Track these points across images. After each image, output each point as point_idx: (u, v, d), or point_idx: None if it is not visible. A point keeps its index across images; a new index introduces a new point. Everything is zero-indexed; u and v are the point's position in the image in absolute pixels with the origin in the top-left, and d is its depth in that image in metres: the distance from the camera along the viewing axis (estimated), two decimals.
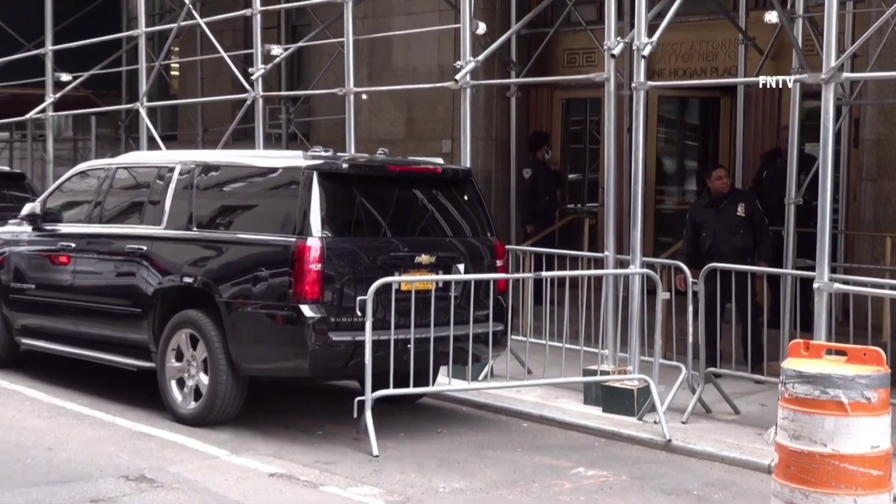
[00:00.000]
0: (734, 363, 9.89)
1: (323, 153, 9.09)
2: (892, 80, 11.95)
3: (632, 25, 9.95)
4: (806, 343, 6.40)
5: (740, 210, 11.03)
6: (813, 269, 8.65)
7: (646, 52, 9.49)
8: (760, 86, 11.68)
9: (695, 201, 11.84)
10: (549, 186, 14.79)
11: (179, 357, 9.21)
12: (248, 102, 13.67)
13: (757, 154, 13.89)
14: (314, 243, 8.46)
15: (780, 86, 10.48)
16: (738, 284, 10.02)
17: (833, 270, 9.02)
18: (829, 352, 6.43)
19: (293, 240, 8.51)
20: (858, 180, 12.76)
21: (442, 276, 9.01)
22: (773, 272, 9.94)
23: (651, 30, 9.62)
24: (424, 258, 9.00)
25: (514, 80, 15.33)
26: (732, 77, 14.07)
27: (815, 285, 8.38)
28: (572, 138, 16.53)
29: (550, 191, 14.85)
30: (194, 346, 9.08)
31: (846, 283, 9.02)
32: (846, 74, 8.68)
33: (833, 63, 8.26)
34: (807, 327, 9.53)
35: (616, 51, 9.93)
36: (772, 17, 12.81)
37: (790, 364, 6.23)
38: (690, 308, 9.34)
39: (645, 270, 9.67)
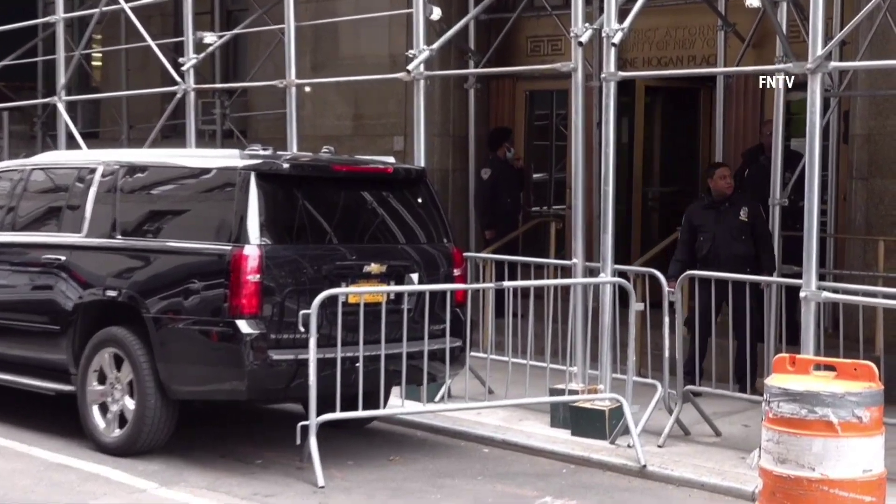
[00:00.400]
0: (715, 380, 9.95)
1: (261, 152, 9.06)
2: (884, 70, 12.07)
3: (601, 10, 9.99)
4: (792, 357, 6.45)
5: (743, 214, 11.01)
6: (799, 276, 8.71)
7: (616, 39, 9.54)
8: (762, 84, 11.77)
9: (693, 203, 11.80)
10: (511, 187, 14.78)
11: (102, 379, 9.14)
12: (179, 96, 13.59)
13: (738, 151, 13.98)
14: (252, 252, 8.43)
15: (788, 85, 10.60)
16: (734, 294, 9.98)
17: (821, 277, 9.11)
18: (818, 367, 6.49)
19: (229, 248, 8.48)
20: (848, 179, 12.87)
21: (394, 287, 9.00)
22: (755, 280, 10.00)
23: (622, 15, 9.67)
24: (374, 267, 8.99)
25: (472, 70, 15.34)
26: (711, 66, 14.15)
27: (802, 294, 8.44)
28: (537, 134, 16.57)
29: (513, 192, 14.85)
30: (119, 366, 9.02)
31: (836, 291, 9.09)
32: (834, 63, 8.76)
33: (820, 51, 8.34)
34: (793, 340, 9.60)
35: (584, 38, 9.97)
36: (753, 0, 12.90)
37: (775, 381, 6.28)
38: (667, 320, 9.39)
39: (617, 279, 9.71)
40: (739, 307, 10.10)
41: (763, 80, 10.69)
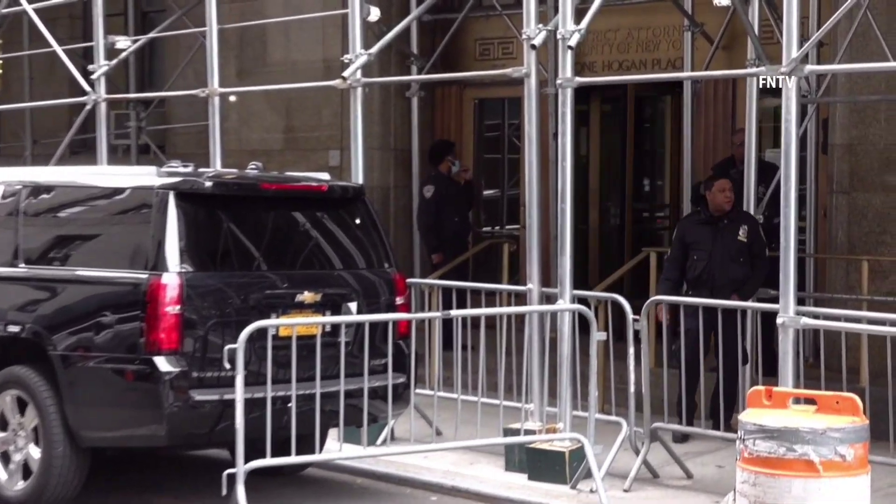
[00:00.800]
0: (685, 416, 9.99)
1: (181, 169, 9.04)
2: (865, 74, 12.19)
3: (556, 10, 10.04)
4: (768, 390, 6.49)
5: (742, 233, 10.93)
6: (776, 300, 8.77)
7: (573, 41, 9.59)
8: (762, 83, 11.82)
9: (686, 216, 11.79)
10: (458, 205, 14.77)
11: (4, 425, 9.04)
12: (89, 107, 13.50)
13: (709, 163, 14.07)
14: (171, 280, 8.40)
15: (768, 85, 10.64)
16: (723, 321, 10.00)
17: (800, 302, 9.16)
18: (797, 400, 6.53)
19: (145, 276, 8.44)
20: (828, 193, 12.96)
21: (329, 318, 8.98)
22: (728, 305, 10.04)
23: (579, 15, 9.72)
24: (308, 296, 8.97)
25: (415, 76, 15.36)
26: (677, 70, 14.24)
27: (779, 320, 8.50)
28: (488, 146, 16.60)
29: (460, 211, 14.84)
30: (22, 411, 8.93)
31: (816, 316, 9.16)
32: (810, 67, 8.85)
33: (795, 53, 8.42)
34: (770, 371, 9.66)
35: (537, 40, 10.02)
36: None
37: (750, 416, 6.32)
38: (631, 351, 9.43)
39: (576, 306, 9.74)
40: (729, 336, 10.13)
41: (764, 80, 10.69)
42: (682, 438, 10.54)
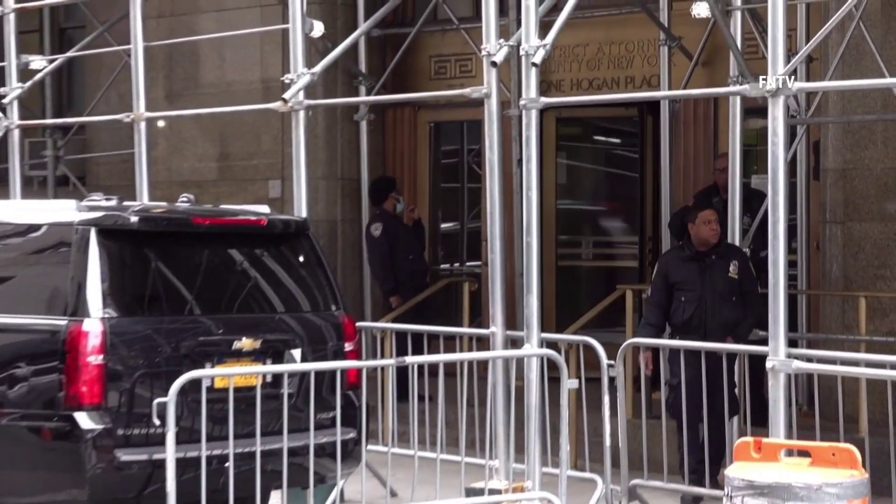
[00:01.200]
0: (666, 472, 10.00)
1: (104, 203, 9.02)
2: (859, 92, 12.27)
3: (518, 23, 10.09)
4: (758, 442, 6.51)
5: (732, 269, 10.83)
6: (764, 341, 8.80)
7: (537, 58, 9.63)
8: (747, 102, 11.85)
9: (667, 252, 11.71)
10: (409, 243, 14.74)
11: None
12: (0, 134, 13.43)
13: (690, 190, 14.14)
14: (93, 327, 8.36)
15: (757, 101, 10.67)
16: (707, 366, 10.00)
17: (792, 344, 9.20)
18: (789, 452, 6.55)
19: (64, 323, 8.40)
20: (821, 223, 13.03)
21: (270, 367, 8.96)
22: (710, 347, 10.07)
23: (544, 28, 9.76)
24: (246, 343, 8.94)
25: (363, 98, 15.39)
26: (653, 89, 14.32)
27: (769, 364, 8.53)
28: (445, 175, 16.63)
29: (413, 248, 14.80)
30: None
31: (809, 359, 9.19)
32: (799, 84, 8.92)
33: (781, 69, 8.48)
34: (759, 420, 9.68)
35: (498, 57, 10.05)
36: (701, 9, 13.10)
37: (737, 471, 6.33)
38: (606, 400, 9.43)
39: (545, 351, 9.74)
40: (715, 383, 10.14)
41: (748, 99, 10.77)
42: (694, 502, 10.42)
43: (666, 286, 10.93)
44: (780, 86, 8.48)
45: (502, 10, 11.92)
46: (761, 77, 8.57)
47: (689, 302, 10.80)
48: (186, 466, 8.24)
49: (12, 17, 13.38)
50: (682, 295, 10.83)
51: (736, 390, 10.30)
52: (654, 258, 14.49)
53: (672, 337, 10.86)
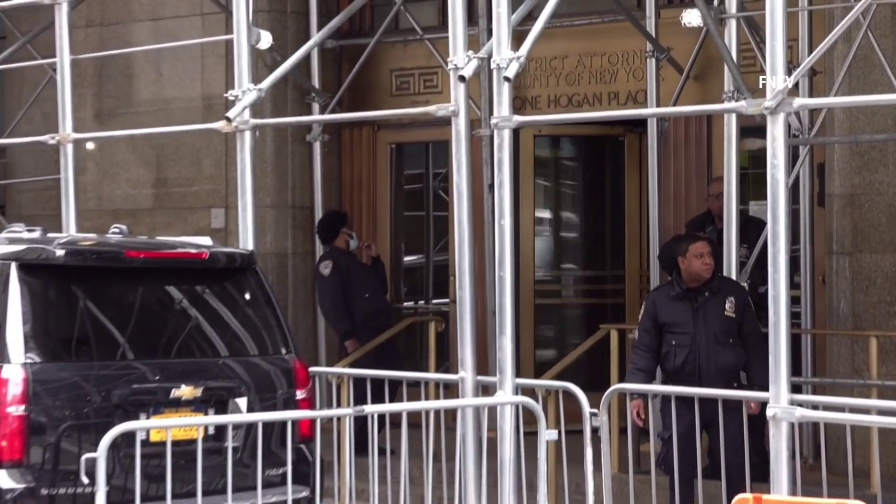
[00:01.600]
0: None
1: (26, 235, 9.01)
2: (868, 108, 12.30)
3: (489, 33, 10.10)
4: (757, 499, 6.51)
5: (729, 307, 10.73)
6: (764, 387, 8.80)
7: (511, 71, 9.64)
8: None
9: (656, 289, 11.57)
10: (365, 280, 14.64)
11: None
12: None
13: (680, 218, 14.16)
14: (13, 374, 8.35)
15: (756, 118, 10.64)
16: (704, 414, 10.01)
17: (796, 389, 9.21)
18: None
19: None
20: (827, 254, 13.07)
21: (213, 418, 8.93)
22: (705, 394, 10.07)
23: (518, 39, 9.78)
24: (186, 391, 8.92)
25: (317, 116, 15.38)
26: (640, 106, 14.34)
27: (770, 412, 8.53)
28: (408, 202, 16.63)
29: (369, 286, 14.69)
30: None
31: (815, 407, 9.19)
32: (801, 100, 8.93)
33: (782, 84, 8.50)
34: (760, 475, 9.68)
35: (467, 71, 10.05)
36: (692, 17, 13.12)
37: None
38: (589, 453, 9.42)
39: (520, 398, 9.73)
40: (711, 434, 10.13)
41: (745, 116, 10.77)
42: None
43: (655, 328, 10.85)
44: (780, 102, 8.51)
45: (471, 18, 11.96)
46: (759, 89, 8.59)
47: (680, 346, 10.73)
48: None
49: None
50: (672, 338, 10.76)
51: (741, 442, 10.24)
52: (643, 294, 14.52)
53: (664, 385, 10.81)
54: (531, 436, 9.73)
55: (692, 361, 10.69)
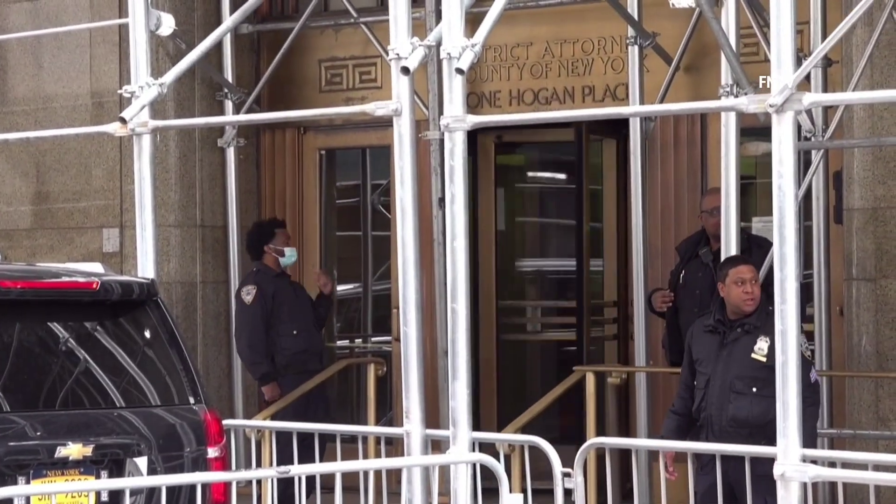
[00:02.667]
0: None
1: None
2: (894, 105, 12.33)
3: (438, 16, 10.12)
4: None
5: (759, 350, 10.55)
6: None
7: (464, 62, 9.66)
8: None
9: (700, 315, 11.35)
10: (296, 313, 14.55)
11: None
12: None
13: (668, 237, 14.21)
14: None
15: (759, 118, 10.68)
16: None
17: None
18: None
19: None
20: (845, 280, 13.13)
21: (107, 482, 8.94)
22: (701, 449, 10.12)
23: (473, 23, 9.80)
24: (73, 449, 8.93)
25: (230, 117, 15.38)
26: (620, 103, 14.40)
27: (778, 470, 8.56)
28: (340, 219, 16.66)
29: (300, 320, 14.62)
30: None
31: (832, 464, 9.24)
32: (813, 96, 8.98)
33: (790, 76, 8.55)
34: None
35: (411, 62, 10.08)
36: None
37: None
38: None
39: (478, 456, 9.75)
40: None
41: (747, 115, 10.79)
42: None
43: (690, 363, 10.91)
44: (788, 98, 8.55)
45: None
46: (762, 83, 8.65)
47: (699, 389, 10.75)
48: None
49: None
50: (696, 378, 10.81)
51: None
52: (623, 328, 14.58)
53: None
54: (491, 493, 9.75)
55: (705, 409, 10.70)
